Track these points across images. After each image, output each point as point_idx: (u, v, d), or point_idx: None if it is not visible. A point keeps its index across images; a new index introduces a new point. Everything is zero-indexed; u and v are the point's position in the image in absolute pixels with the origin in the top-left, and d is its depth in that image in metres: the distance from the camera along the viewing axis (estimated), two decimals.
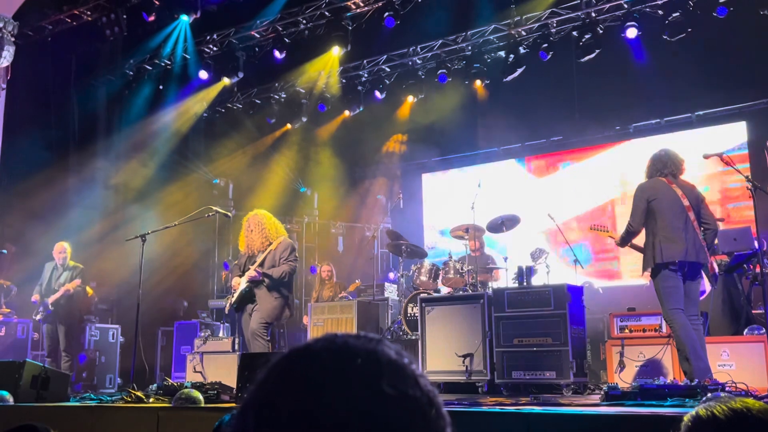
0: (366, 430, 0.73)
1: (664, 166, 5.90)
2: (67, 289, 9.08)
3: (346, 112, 12.20)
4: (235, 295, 6.96)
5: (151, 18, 10.31)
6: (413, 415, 0.76)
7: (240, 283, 6.91)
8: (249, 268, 6.94)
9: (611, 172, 11.56)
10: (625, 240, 6.01)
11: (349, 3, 10.40)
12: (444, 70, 11.05)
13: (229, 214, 8.47)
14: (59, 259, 9.30)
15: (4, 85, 9.88)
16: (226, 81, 11.84)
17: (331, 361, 0.78)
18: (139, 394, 5.95)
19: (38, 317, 9.16)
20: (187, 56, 11.66)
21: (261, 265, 6.88)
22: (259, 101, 12.68)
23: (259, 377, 0.81)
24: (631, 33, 9.54)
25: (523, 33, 10.46)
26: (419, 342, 7.40)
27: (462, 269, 8.34)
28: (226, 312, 7.44)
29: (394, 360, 0.80)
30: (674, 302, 5.55)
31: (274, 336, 6.99)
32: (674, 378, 6.02)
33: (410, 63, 11.46)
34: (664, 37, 9.42)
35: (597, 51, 9.84)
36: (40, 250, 9.95)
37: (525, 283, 7.48)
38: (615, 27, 9.82)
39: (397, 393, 0.76)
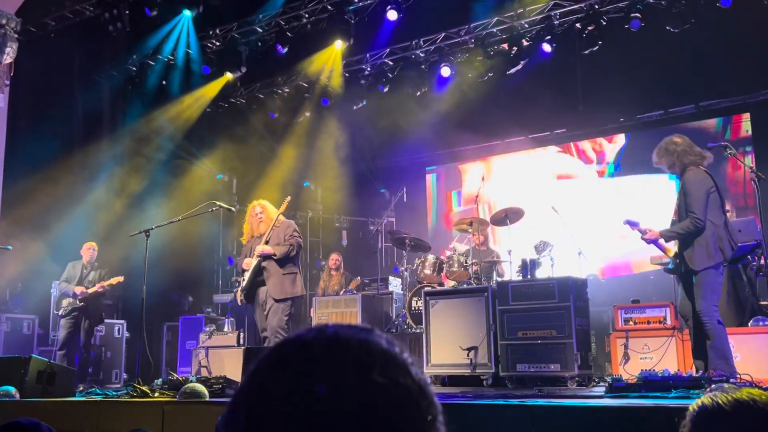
0: (358, 418, 0.73)
1: (701, 156, 5.43)
2: (102, 286, 8.93)
3: (349, 106, 12.18)
4: (247, 275, 7.05)
5: (154, 13, 10.30)
6: (405, 403, 0.76)
7: (251, 263, 7.03)
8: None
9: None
10: (685, 236, 5.31)
11: None
12: (447, 63, 11.02)
13: (232, 209, 8.49)
14: (87, 257, 9.18)
15: (8, 82, 9.90)
16: (229, 76, 11.85)
17: (322, 350, 0.78)
18: (144, 388, 5.96)
19: (60, 312, 8.97)
20: (189, 51, 11.66)
21: (266, 243, 7.02)
22: (262, 96, 12.67)
23: (251, 368, 0.81)
24: (634, 25, 9.50)
25: (526, 25, 10.41)
26: (424, 335, 7.41)
27: (466, 262, 8.33)
28: (239, 303, 7.48)
29: (385, 349, 0.80)
30: (717, 299, 5.38)
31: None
32: (678, 369, 6.01)
33: (413, 56, 11.42)
34: (668, 28, 9.38)
35: (600, 43, 9.80)
36: (44, 246, 9.97)
37: (529, 276, 7.48)
38: (618, 18, 9.77)
39: (389, 381, 0.76)
